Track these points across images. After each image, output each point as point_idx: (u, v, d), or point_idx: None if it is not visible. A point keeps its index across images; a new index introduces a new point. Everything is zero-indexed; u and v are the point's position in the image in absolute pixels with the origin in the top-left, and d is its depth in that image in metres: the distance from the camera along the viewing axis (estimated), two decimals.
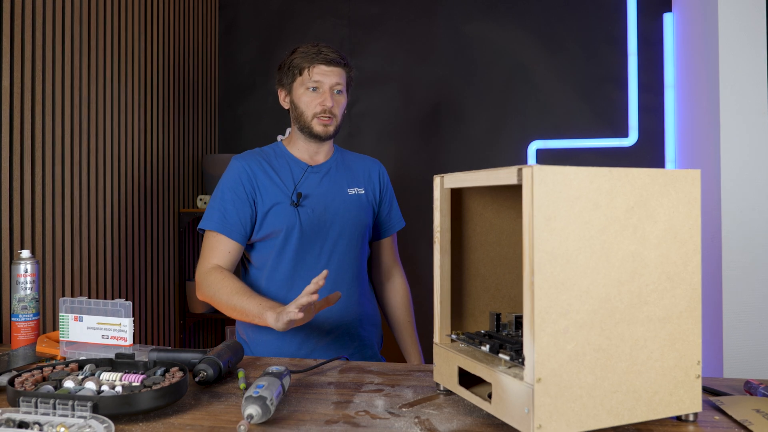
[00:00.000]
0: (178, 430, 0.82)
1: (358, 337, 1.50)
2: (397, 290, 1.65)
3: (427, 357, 1.84)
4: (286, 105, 1.53)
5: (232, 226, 1.42)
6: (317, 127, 1.47)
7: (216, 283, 1.37)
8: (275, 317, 1.21)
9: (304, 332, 1.44)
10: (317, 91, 1.46)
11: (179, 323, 2.59)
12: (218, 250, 1.42)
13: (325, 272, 1.17)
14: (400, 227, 1.66)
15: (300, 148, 1.53)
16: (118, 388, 0.90)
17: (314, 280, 1.15)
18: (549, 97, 2.63)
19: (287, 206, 1.45)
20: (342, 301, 1.46)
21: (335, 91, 1.48)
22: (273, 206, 1.45)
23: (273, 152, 1.54)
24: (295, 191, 1.46)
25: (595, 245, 0.76)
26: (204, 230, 1.46)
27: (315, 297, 1.15)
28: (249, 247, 1.50)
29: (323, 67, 1.46)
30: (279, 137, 2.89)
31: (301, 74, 1.47)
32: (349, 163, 1.59)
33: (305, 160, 1.53)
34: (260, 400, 0.81)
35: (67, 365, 0.98)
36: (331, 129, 1.48)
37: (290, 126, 1.50)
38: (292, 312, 1.15)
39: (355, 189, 1.55)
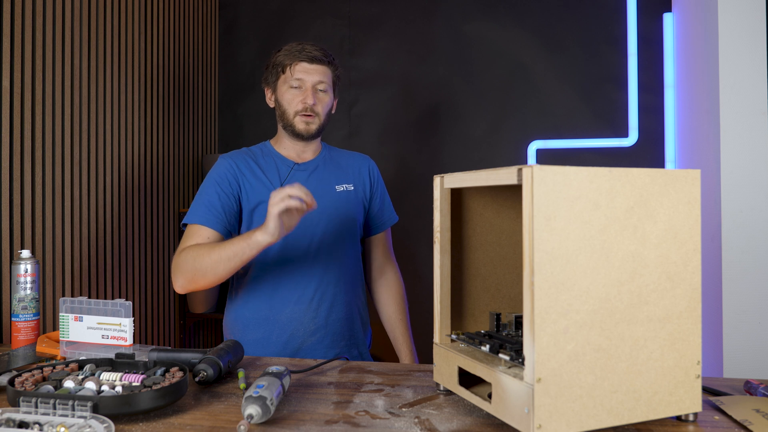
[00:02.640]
0: (178, 430, 0.82)
1: (346, 335, 1.49)
2: (390, 286, 1.63)
3: (427, 357, 1.84)
4: (271, 103, 1.52)
5: (215, 218, 1.39)
6: (299, 125, 1.45)
7: (191, 252, 1.32)
8: (263, 229, 1.20)
9: (290, 329, 1.44)
10: (299, 88, 1.45)
11: (179, 323, 2.59)
12: (197, 236, 1.38)
13: (307, 196, 1.18)
14: (392, 223, 1.65)
15: (287, 147, 1.52)
16: (118, 388, 0.90)
17: (303, 191, 1.17)
18: (549, 97, 2.64)
19: None
20: (329, 298, 1.46)
21: (318, 90, 1.46)
22: (259, 204, 1.43)
23: (260, 151, 1.53)
24: None
25: (595, 245, 0.76)
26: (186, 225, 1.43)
27: (294, 203, 1.16)
28: None
29: (305, 65, 1.44)
30: None
31: (284, 72, 1.46)
32: (337, 160, 1.57)
33: (292, 158, 1.52)
34: (260, 400, 0.81)
35: (67, 365, 0.98)
36: (313, 127, 1.46)
37: None
38: (275, 211, 1.16)
39: (344, 185, 1.53)
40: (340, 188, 1.52)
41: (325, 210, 1.47)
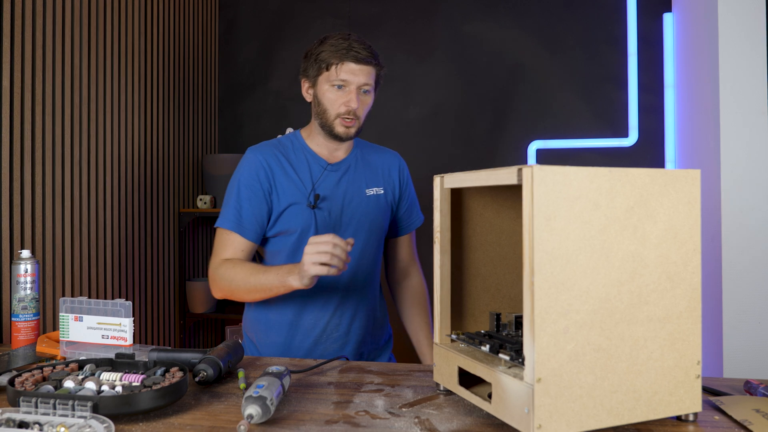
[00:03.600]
0: (178, 430, 0.82)
1: (368, 341, 1.47)
2: (414, 289, 1.59)
3: None
4: (308, 97, 1.46)
5: (247, 225, 1.38)
6: (339, 128, 1.40)
7: (228, 272, 1.34)
8: (297, 279, 1.22)
9: (314, 336, 1.41)
10: (343, 89, 1.38)
11: (179, 323, 2.59)
12: (231, 247, 1.39)
13: (351, 240, 1.20)
14: (419, 224, 1.60)
15: (319, 144, 1.47)
16: (118, 388, 0.90)
17: (347, 241, 1.19)
18: (549, 97, 2.64)
19: (304, 206, 1.40)
20: (354, 305, 1.44)
21: (362, 91, 1.40)
22: (290, 205, 1.40)
23: (291, 145, 1.47)
24: (313, 192, 1.41)
25: (595, 245, 0.76)
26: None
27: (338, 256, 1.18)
28: (262, 242, 1.46)
29: (352, 65, 1.36)
30: (279, 137, 2.89)
31: (327, 69, 1.38)
32: (368, 160, 1.52)
33: (324, 155, 1.46)
34: (260, 400, 0.81)
35: (67, 365, 0.98)
36: (353, 131, 1.42)
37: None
38: (313, 271, 1.18)
39: (374, 189, 1.49)
40: (370, 192, 1.48)
41: (354, 215, 1.44)
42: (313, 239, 1.18)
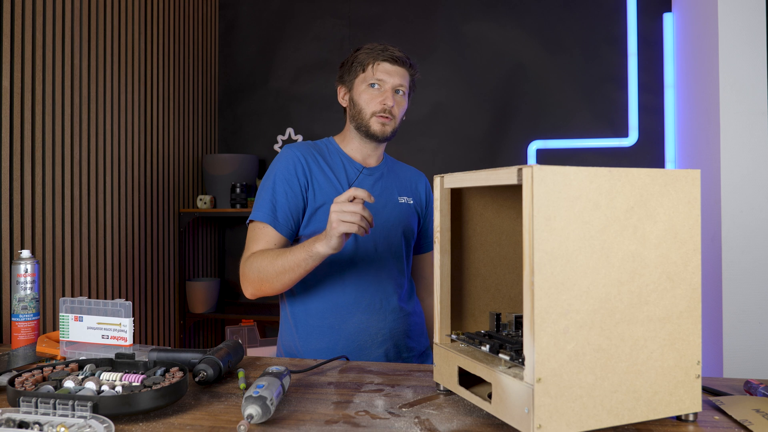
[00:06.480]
0: (178, 430, 0.82)
1: (409, 347, 1.46)
2: None
3: None
4: (344, 102, 1.48)
5: (281, 220, 1.36)
6: (375, 125, 1.41)
7: (256, 261, 1.31)
8: (325, 242, 1.18)
9: (358, 340, 1.39)
10: (378, 89, 1.41)
11: (179, 323, 2.59)
12: (264, 241, 1.36)
13: (369, 197, 1.15)
14: None
15: (354, 148, 1.48)
16: (118, 388, 0.90)
17: (365, 194, 1.14)
18: (549, 97, 2.64)
19: None
20: (394, 309, 1.42)
21: (396, 92, 1.42)
22: (324, 203, 1.39)
23: (326, 148, 1.48)
24: None
25: (595, 245, 0.76)
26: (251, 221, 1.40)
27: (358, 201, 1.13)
28: (294, 242, 1.44)
29: (387, 65, 1.41)
30: (279, 137, 2.90)
31: (364, 71, 1.42)
32: (397, 172, 1.55)
33: (358, 161, 1.48)
34: (260, 400, 0.81)
35: (67, 365, 0.98)
36: (389, 130, 1.43)
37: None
38: (341, 229, 1.14)
39: (404, 198, 1.51)
40: (401, 200, 1.49)
41: (388, 219, 1.44)
42: (337, 199, 1.15)
